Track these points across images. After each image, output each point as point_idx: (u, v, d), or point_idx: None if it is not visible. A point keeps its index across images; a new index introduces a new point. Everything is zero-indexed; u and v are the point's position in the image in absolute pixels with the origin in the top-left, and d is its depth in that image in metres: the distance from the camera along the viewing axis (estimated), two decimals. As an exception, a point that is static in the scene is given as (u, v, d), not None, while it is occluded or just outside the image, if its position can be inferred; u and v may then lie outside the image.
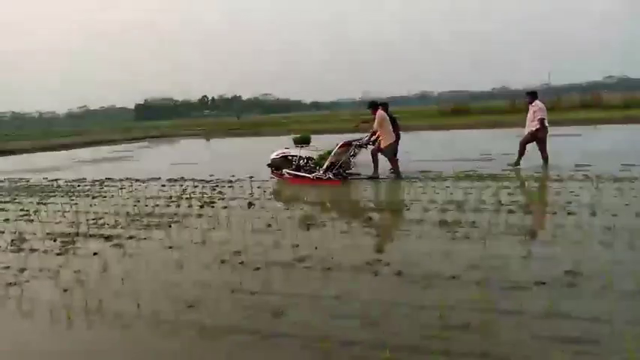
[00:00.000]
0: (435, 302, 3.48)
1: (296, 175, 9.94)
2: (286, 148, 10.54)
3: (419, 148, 15.32)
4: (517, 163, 9.99)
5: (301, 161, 10.09)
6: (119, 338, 3.39)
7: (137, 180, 11.27)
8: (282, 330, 3.31)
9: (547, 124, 9.76)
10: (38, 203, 8.74)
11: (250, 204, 7.66)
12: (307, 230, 5.88)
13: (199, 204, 7.83)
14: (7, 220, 7.40)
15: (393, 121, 10.04)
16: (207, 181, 10.43)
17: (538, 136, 9.79)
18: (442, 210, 6.42)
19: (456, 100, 40.81)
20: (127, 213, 7.39)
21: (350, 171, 10.21)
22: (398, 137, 10.15)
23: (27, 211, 8.05)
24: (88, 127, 76.75)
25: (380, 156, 9.79)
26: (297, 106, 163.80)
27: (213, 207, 7.59)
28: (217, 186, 9.74)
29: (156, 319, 3.61)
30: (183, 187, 9.87)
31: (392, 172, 9.76)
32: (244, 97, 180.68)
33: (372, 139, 9.83)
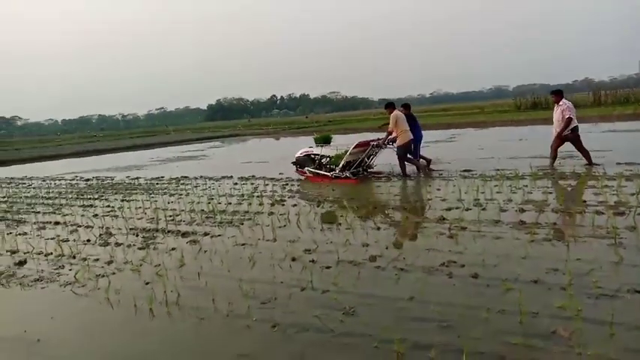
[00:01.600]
0: (516, 307, 3.29)
1: (316, 173, 10.27)
2: (310, 147, 10.87)
3: (494, 144, 14.70)
4: (551, 165, 9.54)
5: (323, 160, 10.39)
6: (196, 331, 3.51)
7: (210, 178, 11.71)
8: (354, 330, 3.27)
9: (577, 123, 9.34)
10: (122, 200, 9.31)
11: (320, 202, 7.69)
12: (377, 229, 5.80)
13: (270, 202, 7.98)
14: (95, 215, 7.93)
15: (414, 121, 10.30)
16: (278, 180, 10.62)
17: (569, 138, 9.37)
18: (520, 210, 6.10)
19: (533, 93, 38.64)
20: (202, 210, 7.68)
21: (372, 170, 10.56)
22: (420, 137, 10.40)
23: (112, 207, 8.60)
24: (163, 127, 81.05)
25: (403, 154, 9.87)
26: (365, 103, 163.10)
27: (283, 205, 7.71)
28: (287, 184, 9.89)
29: (230, 314, 3.70)
30: (255, 185, 10.12)
31: (417, 171, 10.05)
32: (312, 96, 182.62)
33: (389, 138, 9.96)
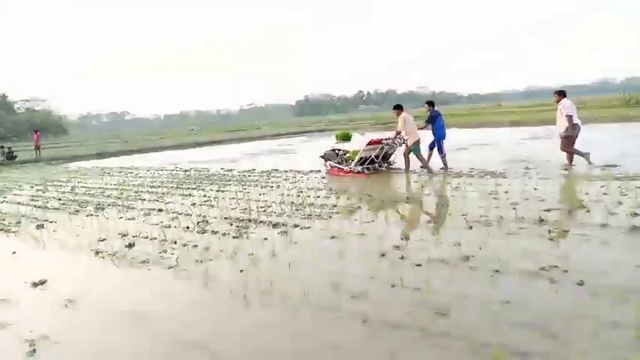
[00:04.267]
0: (630, 320, 3.01)
1: (335, 166, 11.26)
2: (336, 143, 12.12)
3: (599, 142, 13.54)
4: (570, 163, 9.73)
5: (346, 155, 11.40)
6: (287, 320, 3.60)
7: (299, 171, 11.97)
8: (448, 330, 3.17)
9: (577, 122, 9.55)
10: (217, 191, 9.81)
11: (408, 198, 7.57)
12: (470, 229, 5.58)
13: (358, 197, 7.98)
14: (193, 204, 8.44)
15: (439, 118, 10.79)
16: (365, 174, 10.60)
17: (573, 136, 9.59)
18: (632, 214, 5.56)
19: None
20: (292, 202, 7.87)
21: (392, 166, 11.42)
22: (443, 135, 10.86)
23: (208, 197, 9.09)
24: (254, 122, 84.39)
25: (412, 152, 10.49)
26: (454, 98, 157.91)
27: (371, 200, 7.68)
28: (381, 179, 9.84)
29: (321, 305, 3.76)
30: (342, 180, 10.17)
31: (421, 167, 10.60)
32: (399, 92, 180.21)
33: (398, 138, 10.80)
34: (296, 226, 6.30)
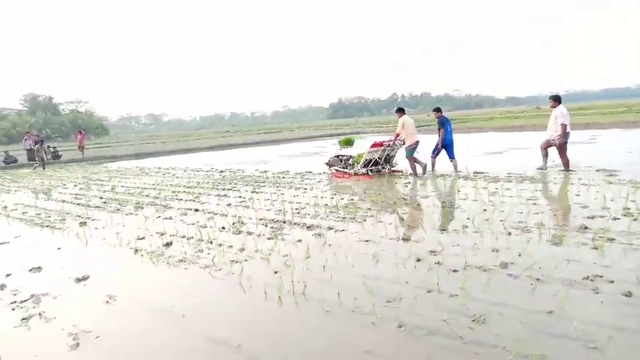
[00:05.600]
0: (682, 335, 2.86)
1: (340, 170, 11.69)
2: (340, 149, 12.73)
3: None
4: (566, 168, 9.85)
5: (350, 160, 11.86)
6: (322, 323, 3.59)
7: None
8: (486, 339, 3.09)
9: (569, 130, 9.69)
10: (252, 192, 9.91)
11: (444, 203, 7.45)
12: (508, 235, 5.44)
13: (392, 200, 7.91)
14: (229, 205, 8.55)
15: (447, 123, 10.96)
16: (397, 178, 10.51)
17: (561, 143, 9.72)
18: (683, 223, 5.30)
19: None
20: (326, 205, 7.87)
21: (394, 168, 11.73)
22: (451, 140, 10.97)
23: (243, 198, 9.20)
24: (287, 124, 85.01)
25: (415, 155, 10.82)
26: (490, 101, 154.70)
27: (406, 204, 7.59)
28: (410, 182, 9.73)
29: (355, 309, 3.73)
30: (377, 183, 10.11)
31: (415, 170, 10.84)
32: (433, 94, 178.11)
33: (398, 140, 11.17)
34: (330, 228, 6.30)
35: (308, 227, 6.44)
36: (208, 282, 4.68)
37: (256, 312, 3.91)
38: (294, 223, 6.70)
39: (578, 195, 7.37)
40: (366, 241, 5.60)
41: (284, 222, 6.83)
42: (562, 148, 9.80)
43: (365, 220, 6.62)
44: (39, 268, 5.51)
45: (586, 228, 5.44)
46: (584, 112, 37.58)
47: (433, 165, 11.24)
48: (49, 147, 27.08)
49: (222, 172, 14.62)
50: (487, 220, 6.22)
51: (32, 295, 4.59)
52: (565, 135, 9.62)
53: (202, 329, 3.62)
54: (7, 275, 5.31)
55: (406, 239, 5.54)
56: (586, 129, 22.58)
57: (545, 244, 5.05)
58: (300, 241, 5.79)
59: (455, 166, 10.91)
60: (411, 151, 10.74)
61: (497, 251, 4.85)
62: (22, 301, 4.47)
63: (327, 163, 12.52)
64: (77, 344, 3.50)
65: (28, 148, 25.19)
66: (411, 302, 3.78)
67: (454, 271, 4.38)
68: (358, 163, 11.39)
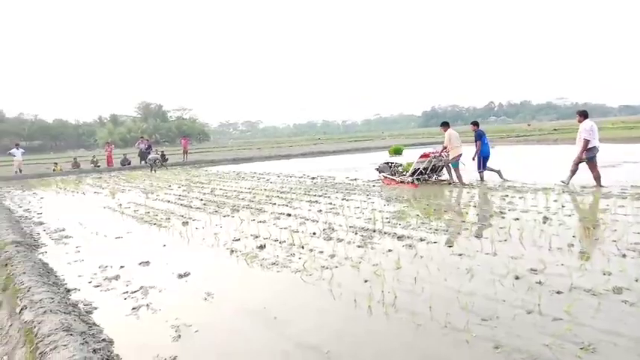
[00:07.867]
0: None
1: (388, 177, 12.34)
2: (390, 157, 13.73)
3: None
4: (597, 183, 9.64)
5: (399, 167, 12.49)
6: (413, 336, 3.51)
7: (426, 181, 11.69)
8: (596, 371, 2.83)
9: (595, 145, 9.48)
10: (342, 199, 9.99)
11: (546, 218, 6.96)
12: (623, 257, 4.94)
13: (489, 214, 7.55)
14: (319, 211, 8.69)
15: (484, 136, 11.63)
16: (496, 189, 10.01)
17: (582, 158, 9.61)
18: None
19: None
20: (417, 215, 7.71)
21: (441, 178, 12.29)
22: (488, 153, 11.80)
23: (334, 205, 9.29)
24: (379, 132, 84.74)
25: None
26: (600, 110, 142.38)
27: (503, 217, 7.21)
28: (507, 195, 9.24)
29: (448, 325, 3.60)
30: (471, 194, 9.72)
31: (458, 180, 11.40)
32: (534, 102, 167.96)
33: (445, 152, 11.70)
34: (422, 239, 6.15)
35: (399, 237, 6.34)
36: (299, 286, 4.77)
37: (346, 320, 3.91)
38: (385, 233, 6.63)
39: None
40: (460, 254, 5.39)
41: (374, 231, 6.79)
42: (591, 163, 9.60)
43: (459, 234, 6.38)
44: (147, 262, 5.98)
45: None
46: None
47: (482, 178, 11.63)
48: (157, 151, 29.39)
49: (313, 178, 14.90)
50: (597, 239, 5.71)
51: (141, 287, 4.99)
52: (588, 150, 9.48)
53: (293, 332, 3.69)
54: (121, 267, 5.83)
55: (503, 255, 5.24)
56: None
57: (667, 269, 4.51)
58: (390, 250, 5.72)
59: (481, 177, 11.58)
60: (456, 162, 11.43)
61: (609, 274, 4.43)
62: (132, 292, 4.88)
63: (377, 169, 13.22)
64: (179, 336, 3.73)
65: (143, 149, 28.08)
66: (508, 322, 3.57)
67: (558, 292, 4.07)
68: (407, 171, 11.93)
